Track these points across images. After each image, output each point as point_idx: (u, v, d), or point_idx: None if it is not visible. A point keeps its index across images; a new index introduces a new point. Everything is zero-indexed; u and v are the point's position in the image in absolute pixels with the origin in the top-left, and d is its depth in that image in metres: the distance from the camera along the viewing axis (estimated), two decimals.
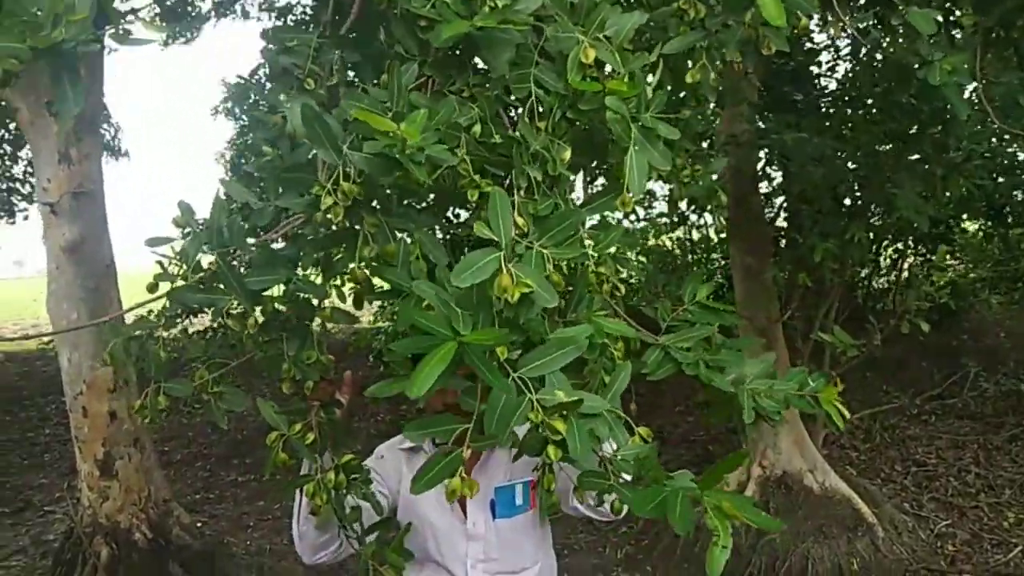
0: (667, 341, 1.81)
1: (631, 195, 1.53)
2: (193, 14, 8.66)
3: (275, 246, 1.80)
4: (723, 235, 7.11)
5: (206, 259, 1.70)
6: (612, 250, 1.70)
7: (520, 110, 1.65)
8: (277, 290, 1.72)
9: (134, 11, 7.56)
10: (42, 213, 4.97)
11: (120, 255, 5.29)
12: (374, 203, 1.52)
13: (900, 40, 3.29)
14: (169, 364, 1.84)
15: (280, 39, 1.93)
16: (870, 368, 6.90)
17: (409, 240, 1.57)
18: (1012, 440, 6.23)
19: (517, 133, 1.57)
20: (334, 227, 1.60)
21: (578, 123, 1.68)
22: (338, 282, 1.80)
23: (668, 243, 8.89)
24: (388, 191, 1.58)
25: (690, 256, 8.87)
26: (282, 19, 8.90)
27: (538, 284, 1.25)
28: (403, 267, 1.53)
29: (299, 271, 1.77)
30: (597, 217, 1.79)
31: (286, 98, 1.89)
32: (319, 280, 1.77)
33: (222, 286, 1.67)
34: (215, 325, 1.90)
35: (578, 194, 4.33)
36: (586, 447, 1.25)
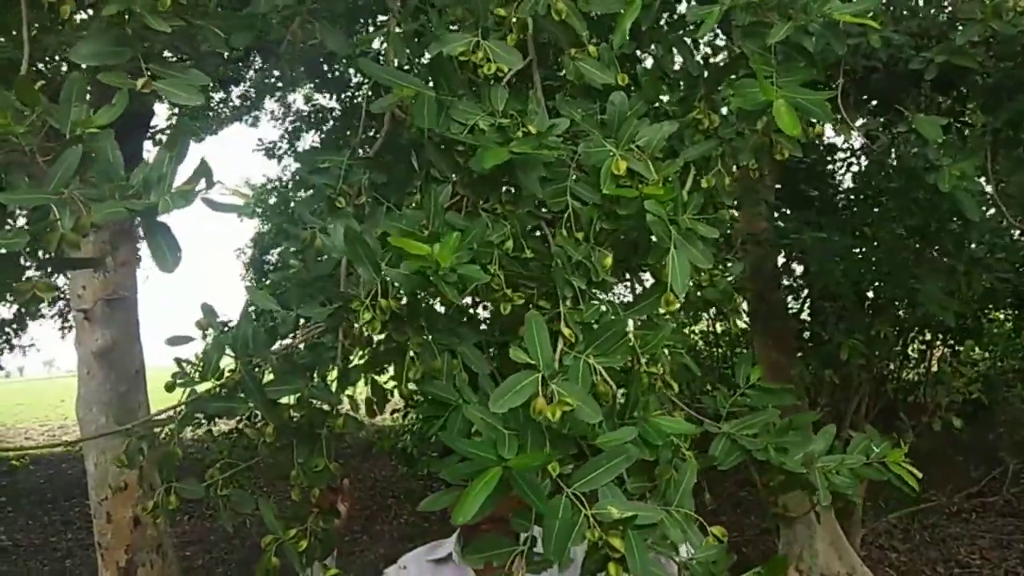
0: (731, 429, 1.82)
1: (675, 295, 1.57)
2: (211, 115, 9.08)
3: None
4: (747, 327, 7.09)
5: (226, 363, 1.76)
6: (665, 349, 1.73)
7: (555, 223, 1.72)
8: (291, 397, 1.77)
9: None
10: (75, 319, 5.10)
11: (151, 354, 5.38)
12: (420, 320, 1.56)
13: (909, 146, 3.39)
14: (194, 464, 1.89)
15: (312, 160, 2.04)
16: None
17: (452, 355, 1.61)
18: None
19: (557, 246, 1.63)
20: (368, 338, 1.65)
21: (616, 230, 1.74)
22: (351, 391, 1.84)
23: (692, 336, 8.85)
24: (431, 306, 1.63)
25: (716, 349, 8.82)
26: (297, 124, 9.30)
27: (581, 401, 1.28)
28: (448, 380, 1.56)
29: (315, 379, 1.82)
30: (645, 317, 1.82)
31: (317, 215, 1.99)
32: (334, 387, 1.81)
33: (242, 394, 1.73)
34: (240, 426, 1.94)
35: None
36: (645, 562, 1.23)
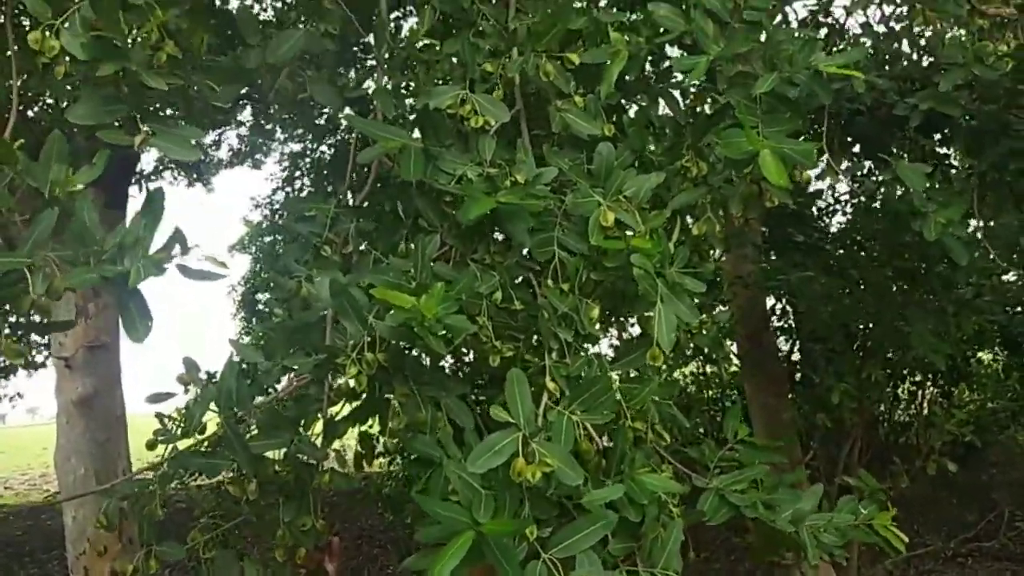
0: (720, 484, 1.80)
1: (661, 350, 1.55)
2: (207, 161, 9.08)
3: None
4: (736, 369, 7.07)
5: (210, 417, 1.72)
6: (655, 399, 1.71)
7: (542, 274, 1.70)
8: (277, 452, 1.73)
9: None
10: (56, 367, 5.00)
11: (133, 400, 5.27)
12: (404, 372, 1.54)
13: (894, 190, 3.41)
14: (178, 515, 1.85)
15: (298, 208, 2.03)
16: (899, 508, 6.63)
17: (437, 407, 1.57)
18: None
19: (544, 297, 1.61)
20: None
21: (603, 281, 1.72)
22: (337, 444, 1.80)
23: (681, 378, 8.78)
24: (417, 357, 1.60)
25: (706, 392, 8.75)
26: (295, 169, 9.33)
27: (562, 461, 1.24)
28: (432, 433, 1.53)
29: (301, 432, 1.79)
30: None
31: (303, 264, 1.96)
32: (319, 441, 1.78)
33: (225, 450, 1.69)
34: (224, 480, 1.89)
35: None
36: None
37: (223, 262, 1.37)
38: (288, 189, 9.68)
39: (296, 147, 9.14)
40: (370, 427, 1.77)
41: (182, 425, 1.76)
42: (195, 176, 9.38)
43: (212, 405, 1.72)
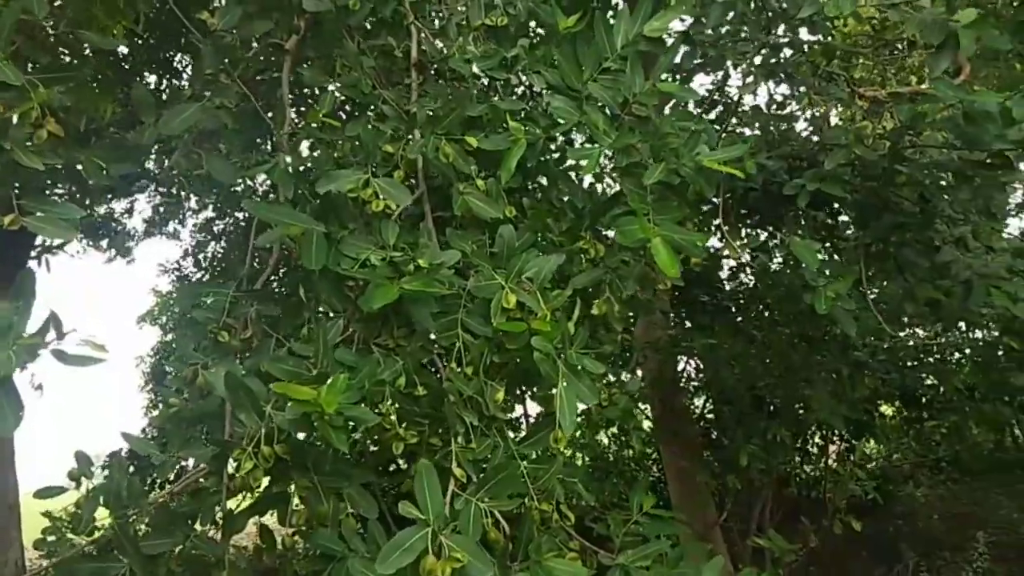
0: (626, 560, 1.84)
1: (564, 431, 1.58)
2: (118, 230, 8.82)
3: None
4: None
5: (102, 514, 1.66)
6: (560, 478, 1.73)
7: (447, 357, 1.71)
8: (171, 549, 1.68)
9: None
10: None
11: (31, 483, 4.96)
12: (306, 463, 1.51)
13: (787, 262, 3.59)
14: None
15: (194, 294, 1.99)
16: (813, 564, 6.77)
17: (340, 497, 1.55)
18: None
19: (449, 381, 1.62)
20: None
21: (507, 363, 1.75)
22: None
23: (603, 439, 8.78)
24: (318, 446, 1.58)
25: (626, 451, 8.77)
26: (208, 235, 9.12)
27: (471, 554, 1.24)
28: (334, 527, 1.50)
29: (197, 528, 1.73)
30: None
31: (201, 350, 1.92)
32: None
33: (116, 552, 1.62)
34: None
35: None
36: None
37: (102, 346, 1.32)
38: (200, 256, 9.44)
39: (210, 214, 8.95)
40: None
41: (71, 525, 1.68)
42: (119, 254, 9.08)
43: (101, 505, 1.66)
